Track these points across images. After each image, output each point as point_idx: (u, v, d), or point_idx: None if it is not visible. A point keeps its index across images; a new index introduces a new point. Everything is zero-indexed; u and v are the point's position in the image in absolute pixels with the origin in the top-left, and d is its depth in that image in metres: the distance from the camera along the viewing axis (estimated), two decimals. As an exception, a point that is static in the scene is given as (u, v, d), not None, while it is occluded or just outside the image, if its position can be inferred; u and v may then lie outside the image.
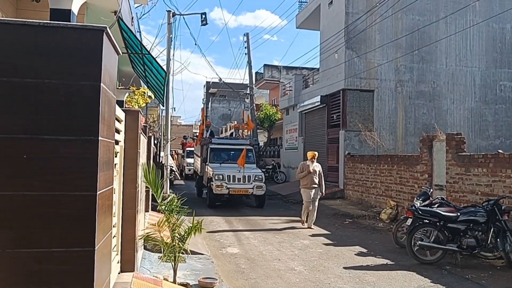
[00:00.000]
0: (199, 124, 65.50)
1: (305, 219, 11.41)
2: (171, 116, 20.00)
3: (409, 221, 8.21)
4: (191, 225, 5.66)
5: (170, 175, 19.08)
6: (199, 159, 18.12)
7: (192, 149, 27.04)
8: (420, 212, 7.97)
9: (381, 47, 18.19)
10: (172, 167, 20.99)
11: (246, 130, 23.97)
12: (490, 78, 19.34)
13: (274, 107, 31.28)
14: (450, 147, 10.65)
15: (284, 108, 26.51)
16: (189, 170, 27.34)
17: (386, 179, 14.05)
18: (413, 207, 8.18)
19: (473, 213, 7.85)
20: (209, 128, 20.25)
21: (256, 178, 14.28)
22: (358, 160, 16.46)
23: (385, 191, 14.04)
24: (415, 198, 9.70)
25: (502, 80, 19.47)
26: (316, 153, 11.61)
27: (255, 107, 26.43)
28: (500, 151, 9.44)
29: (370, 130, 17.04)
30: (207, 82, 62.30)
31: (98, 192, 2.31)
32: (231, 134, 21.20)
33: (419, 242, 7.91)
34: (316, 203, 11.26)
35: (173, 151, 40.52)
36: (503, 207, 7.79)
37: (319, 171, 11.25)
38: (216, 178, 14.11)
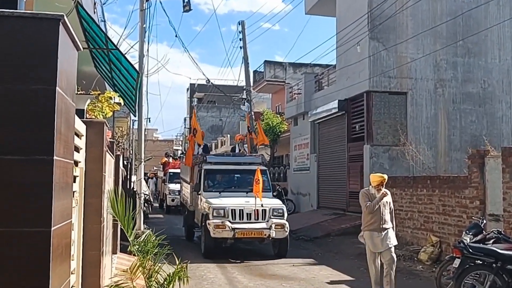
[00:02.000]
0: (186, 135, 65.45)
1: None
2: (145, 129, 20.08)
3: (457, 262, 8.17)
4: (173, 270, 5.67)
5: (144, 206, 19.05)
6: (189, 185, 16.48)
7: (177, 170, 26.77)
8: (470, 251, 7.94)
9: (415, 37, 18.36)
10: (147, 195, 20.98)
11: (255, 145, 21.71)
12: (557, 76, 19.46)
13: (278, 115, 31.39)
14: (508, 165, 10.65)
15: (292, 117, 26.61)
16: (173, 200, 26.82)
17: (425, 207, 14.03)
18: (462, 244, 8.15)
19: (540, 250, 7.83)
20: (200, 140, 18.22)
21: (275, 213, 13.11)
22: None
23: (425, 224, 14.00)
24: (464, 232, 9.67)
25: None
26: (386, 176, 9.34)
27: (253, 116, 26.51)
28: None
29: (404, 144, 17.08)
30: (191, 84, 62.74)
31: (52, 228, 2.32)
32: (233, 149, 19.39)
33: (470, 289, 7.86)
34: (393, 255, 9.16)
35: (150, 173, 40.47)
36: None
37: (390, 202, 9.29)
38: (214, 213, 12.88)
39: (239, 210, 12.98)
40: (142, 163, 16.43)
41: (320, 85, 24.54)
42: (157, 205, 32.58)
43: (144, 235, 6.17)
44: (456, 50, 18.78)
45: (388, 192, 9.35)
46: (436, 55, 18.56)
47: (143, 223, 15.87)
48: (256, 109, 30.61)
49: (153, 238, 6.31)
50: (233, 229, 12.66)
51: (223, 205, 13.06)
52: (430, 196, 13.82)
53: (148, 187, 27.99)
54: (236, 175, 15.20)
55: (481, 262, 7.96)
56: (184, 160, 17.46)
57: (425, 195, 14.09)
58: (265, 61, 38.32)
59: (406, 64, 18.27)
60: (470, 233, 9.31)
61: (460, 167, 17.32)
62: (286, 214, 13.30)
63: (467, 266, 7.96)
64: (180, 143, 71.39)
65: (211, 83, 28.22)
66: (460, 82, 18.76)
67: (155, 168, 47.67)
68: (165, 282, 5.81)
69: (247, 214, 12.95)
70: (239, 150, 18.54)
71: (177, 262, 5.75)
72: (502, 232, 9.02)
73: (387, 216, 9.07)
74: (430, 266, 12.18)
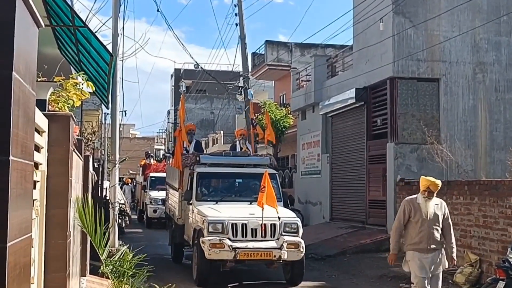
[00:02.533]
0: (170, 132, 64.81)
1: None
2: (120, 125, 20.08)
3: (501, 285, 8.21)
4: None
5: (119, 218, 19.05)
6: (177, 193, 15.87)
7: (161, 174, 26.62)
8: (517, 271, 7.97)
9: (449, 12, 18.38)
10: (123, 204, 20.99)
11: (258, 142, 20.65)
12: None
13: (282, 107, 31.42)
14: (563, 166, 10.69)
15: (299, 109, 26.64)
16: (155, 211, 26.42)
17: (462, 219, 14.06)
18: (507, 263, 8.19)
19: None
20: (193, 137, 17.62)
21: (288, 229, 12.53)
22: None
23: (461, 239, 14.04)
24: (509, 249, 9.68)
25: None
26: (438, 182, 9.06)
27: (252, 109, 26.52)
28: None
29: (435, 142, 17.09)
30: (176, 70, 62.69)
31: (8, 244, 2.32)
32: (232, 147, 18.34)
33: (517, 318, 7.89)
34: (440, 284, 9.02)
35: (126, 179, 40.38)
36: None
37: (444, 215, 9.07)
38: (210, 229, 12.25)
39: (242, 224, 12.34)
40: (117, 165, 16.42)
41: (334, 71, 24.54)
42: (135, 217, 32.37)
43: (119, 253, 6.18)
44: (499, 28, 18.79)
45: (443, 203, 9.21)
46: (475, 34, 18.56)
47: (118, 239, 15.89)
48: (256, 99, 30.64)
49: (130, 257, 6.33)
50: (234, 248, 11.95)
51: (221, 218, 12.43)
52: (468, 205, 13.84)
53: (124, 194, 27.77)
54: (237, 180, 14.74)
55: (530, 286, 8.00)
56: (170, 161, 17.09)
57: (462, 204, 14.11)
58: (266, 41, 38.29)
59: (438, 44, 18.27)
60: (517, 250, 9.32)
61: (504, 170, 17.34)
62: (301, 230, 12.67)
63: (514, 290, 8.00)
64: (163, 142, 71.53)
65: (201, 68, 28.31)
66: (504, 67, 18.78)
67: (131, 172, 47.70)
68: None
69: (252, 229, 12.33)
70: (241, 148, 17.39)
71: None
72: (555, 248, 9.03)
73: (438, 233, 8.80)
74: (468, 290, 12.19)
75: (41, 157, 4.63)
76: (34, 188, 4.05)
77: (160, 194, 25.23)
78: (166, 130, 68.88)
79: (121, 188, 29.83)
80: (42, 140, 4.62)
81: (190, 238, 13.84)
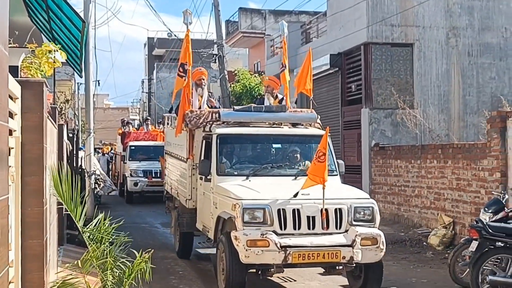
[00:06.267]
0: (144, 102, 64.08)
1: None
2: (94, 94, 19.93)
3: (474, 245, 8.34)
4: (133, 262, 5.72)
5: (96, 187, 19.01)
6: (183, 164, 12.06)
7: (144, 143, 25.38)
8: (490, 231, 8.11)
9: (423, -24, 18.36)
10: (99, 175, 20.91)
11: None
12: None
13: (257, 75, 31.35)
14: (534, 129, 10.84)
15: (274, 76, 26.54)
16: (136, 184, 24.25)
17: (436, 182, 14.23)
18: (480, 224, 8.32)
19: None
20: (203, 86, 12.47)
21: (361, 216, 8.96)
22: (392, 155, 16.62)
23: (435, 202, 14.23)
24: (482, 210, 9.87)
25: None
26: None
27: (227, 76, 26.47)
28: None
29: (410, 107, 17.22)
30: (149, 39, 62.05)
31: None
32: (257, 101, 13.92)
33: (490, 277, 8.05)
34: None
35: (104, 148, 39.73)
36: None
37: None
38: (246, 218, 8.55)
39: (293, 210, 8.66)
40: (92, 134, 16.36)
41: (308, 37, 24.49)
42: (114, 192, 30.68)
43: (95, 220, 6.17)
44: (472, -8, 18.85)
45: None
46: (449, -2, 18.63)
47: (95, 209, 15.86)
48: (230, 67, 30.52)
49: (107, 224, 6.31)
50: (284, 247, 8.32)
51: (262, 202, 8.73)
52: (441, 168, 14.01)
53: (99, 165, 26.86)
54: (275, 146, 10.89)
55: (502, 245, 8.15)
56: (176, 124, 12.05)
57: (435, 167, 14.28)
58: (240, 8, 38.05)
59: (411, 9, 18.27)
60: (490, 211, 9.51)
61: (477, 134, 17.55)
62: (378, 217, 9.08)
63: (486, 249, 8.15)
64: (137, 111, 71.09)
65: (175, 36, 27.96)
66: (477, 31, 18.86)
67: (104, 142, 47.06)
68: (124, 276, 5.84)
69: (309, 218, 8.67)
70: (274, 99, 12.24)
71: (138, 253, 5.78)
72: (527, 208, 9.21)
73: None
74: (442, 251, 12.41)
75: (15, 123, 4.58)
76: (9, 154, 4.01)
77: (142, 165, 24.49)
78: (140, 99, 68.42)
79: (98, 160, 29.31)
80: (15, 107, 4.57)
81: (210, 229, 10.12)
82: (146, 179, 23.44)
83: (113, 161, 34.27)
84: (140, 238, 12.91)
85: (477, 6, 18.86)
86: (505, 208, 9.60)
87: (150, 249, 6.21)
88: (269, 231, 8.43)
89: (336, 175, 10.21)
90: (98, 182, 20.37)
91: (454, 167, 13.48)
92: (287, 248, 8.31)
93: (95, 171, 18.17)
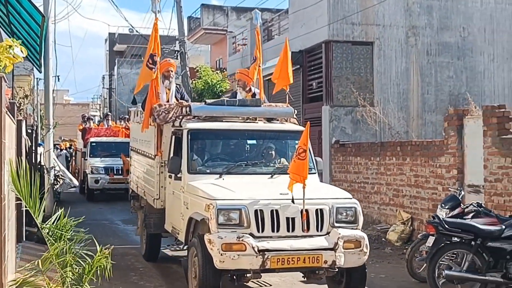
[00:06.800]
0: (105, 98, 63.36)
1: None
2: (53, 90, 19.66)
3: (431, 240, 8.49)
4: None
5: (55, 184, 18.77)
6: (151, 162, 11.26)
7: (104, 139, 25.02)
8: (446, 227, 8.26)
9: (383, -25, 18.55)
10: (58, 171, 20.62)
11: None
12: (547, 22, 20.13)
13: (219, 71, 31.29)
14: (489, 127, 11.04)
15: (236, 73, 26.53)
16: (97, 181, 23.72)
17: (394, 179, 14.39)
18: (436, 220, 8.46)
19: (525, 225, 8.24)
20: (171, 79, 11.59)
21: (343, 217, 8.35)
22: (351, 151, 16.75)
23: (394, 198, 14.39)
24: (439, 207, 10.01)
25: None
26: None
27: (188, 73, 26.37)
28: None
29: (370, 105, 17.40)
30: (110, 34, 61.45)
31: None
32: (232, 95, 12.23)
33: (446, 271, 8.20)
34: None
35: (63, 144, 39.11)
36: None
37: None
38: (221, 219, 7.89)
39: (272, 211, 7.99)
40: (51, 130, 16.15)
41: (270, 34, 24.54)
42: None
43: (55, 216, 6.10)
44: (431, -8, 19.11)
45: None
46: (408, -2, 18.85)
47: (55, 206, 15.65)
48: (192, 64, 30.40)
49: (66, 220, 6.25)
50: (262, 251, 7.69)
51: (238, 202, 8.06)
52: (400, 165, 14.17)
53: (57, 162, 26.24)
54: (249, 142, 10.13)
55: (458, 240, 8.31)
56: (143, 119, 11.33)
57: (394, 164, 14.44)
58: (202, 4, 38.01)
59: (372, 7, 18.44)
60: (446, 207, 9.64)
61: (436, 132, 17.83)
62: (361, 218, 8.44)
63: (443, 244, 8.29)
64: (98, 108, 70.40)
65: (137, 31, 27.76)
66: (435, 30, 19.12)
67: (64, 138, 46.34)
68: (84, 272, 5.81)
69: (288, 219, 8.02)
70: (247, 92, 11.43)
71: (99, 248, 5.75)
72: (482, 205, 9.38)
73: None
74: (401, 247, 12.57)
75: (-28, 119, 4.52)
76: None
77: (103, 162, 24.08)
78: (101, 95, 67.76)
79: (57, 155, 28.79)
80: (-28, 102, 4.51)
81: (180, 231, 9.43)
82: (108, 176, 23.09)
83: (73, 158, 33.73)
84: (101, 235, 12.75)
85: (436, 5, 19.12)
86: (461, 204, 9.74)
87: (109, 245, 6.16)
88: (246, 233, 7.78)
89: (315, 173, 9.64)
90: (58, 179, 20.09)
91: (413, 164, 13.65)
92: (265, 252, 7.67)
93: (54, 167, 17.92)
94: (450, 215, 9.26)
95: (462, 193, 10.55)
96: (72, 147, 36.56)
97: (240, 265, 7.70)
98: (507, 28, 19.77)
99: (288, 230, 7.94)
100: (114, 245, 6.74)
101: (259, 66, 12.02)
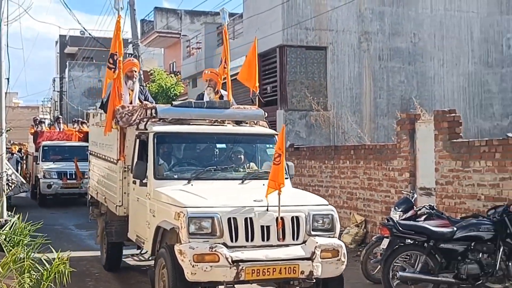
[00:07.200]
0: (56, 101, 62.23)
1: None
2: (5, 93, 19.25)
3: (385, 242, 8.63)
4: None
5: (8, 189, 18.34)
6: (113, 167, 10.65)
7: (57, 143, 24.54)
8: (400, 229, 8.40)
9: (336, -19, 18.79)
10: (10, 175, 20.19)
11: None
12: (494, 29, 20.72)
13: (173, 75, 31.19)
14: (440, 131, 11.28)
15: (190, 76, 26.57)
16: (49, 186, 23.11)
17: (348, 182, 14.53)
18: (391, 222, 8.61)
19: (475, 226, 8.44)
20: (134, 79, 11.14)
21: (319, 224, 7.89)
22: (306, 155, 16.87)
23: (348, 201, 14.54)
24: (393, 209, 10.17)
25: (511, 31, 20.92)
26: None
27: (142, 76, 26.19)
28: (509, 134, 10.16)
29: (324, 109, 17.59)
30: (61, 36, 60.57)
31: None
32: (199, 97, 11.58)
33: (400, 273, 8.34)
34: None
35: (13, 148, 38.22)
36: (516, 216, 8.45)
37: None
38: (192, 229, 7.32)
39: (246, 219, 7.51)
40: (3, 134, 15.81)
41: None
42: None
43: (11, 222, 6.04)
44: (383, -1, 19.46)
45: None
46: (360, 4, 19.13)
47: (7, 211, 15.34)
48: (145, 67, 30.25)
49: (23, 226, 6.21)
50: (235, 262, 7.18)
51: (210, 210, 7.56)
52: (354, 168, 14.33)
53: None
54: (218, 146, 9.64)
55: (412, 242, 8.48)
56: (105, 119, 10.68)
57: (348, 167, 14.59)
58: (156, 7, 37.83)
59: (325, 13, 18.67)
60: (400, 210, 9.80)
61: (388, 135, 18.13)
62: (338, 226, 8.06)
63: (397, 246, 8.44)
64: (48, 111, 69.25)
65: (89, 34, 27.42)
66: (387, 36, 19.49)
67: (13, 142, 45.26)
68: (42, 279, 5.76)
69: (263, 228, 7.54)
70: (215, 94, 11.28)
71: (57, 254, 5.71)
72: (434, 207, 9.58)
73: None
74: (355, 249, 12.68)
75: None
76: None
77: (56, 166, 23.50)
78: (51, 98, 66.70)
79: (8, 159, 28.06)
80: None
81: (146, 240, 8.90)
82: (61, 181, 22.59)
83: (24, 162, 32.94)
84: (54, 240, 12.51)
85: (387, 11, 19.47)
86: (414, 206, 9.93)
87: (68, 251, 6.14)
88: (219, 243, 7.24)
89: (287, 178, 9.01)
90: (9, 183, 19.64)
91: (366, 168, 13.81)
92: (240, 263, 7.14)
93: (7, 171, 17.53)
94: (403, 217, 9.42)
95: (415, 196, 10.76)
96: (22, 151, 35.74)
97: (213, 277, 7.16)
98: (456, 34, 20.27)
99: (263, 239, 7.47)
100: (69, 250, 6.70)
101: (225, 68, 11.51)
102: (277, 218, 7.44)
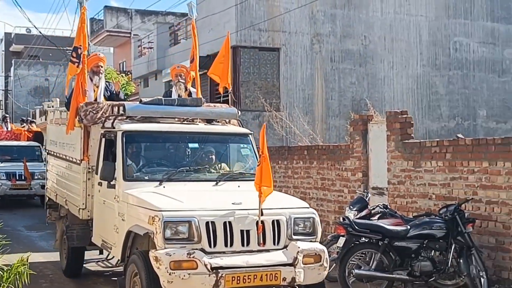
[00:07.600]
0: (3, 98, 60.75)
1: None
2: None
3: (341, 241, 8.77)
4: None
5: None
6: (75, 167, 10.05)
7: (5, 143, 23.38)
8: (356, 228, 8.58)
9: (288, -16, 18.97)
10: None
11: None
12: (441, 32, 21.23)
13: (123, 75, 30.92)
14: (393, 131, 11.51)
15: (141, 76, 26.40)
16: None
17: (301, 182, 14.65)
18: (346, 221, 8.77)
19: (428, 224, 8.68)
20: (100, 75, 10.58)
21: (300, 228, 7.54)
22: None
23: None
24: (348, 208, 10.32)
25: (457, 35, 21.48)
26: None
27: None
28: (460, 135, 10.48)
29: (276, 110, 17.71)
30: (6, 34, 59.39)
31: None
32: (167, 94, 11.38)
33: (356, 270, 8.52)
34: None
35: None
36: (466, 215, 8.71)
37: None
38: (168, 233, 6.88)
39: (225, 223, 7.07)
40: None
41: (177, 39, 24.50)
42: None
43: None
44: (335, 1, 19.70)
45: None
46: (313, 6, 19.32)
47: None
48: (96, 66, 29.85)
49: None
50: (214, 269, 6.76)
51: (187, 213, 7.07)
52: (307, 169, 14.45)
53: None
54: (191, 145, 9.13)
55: (367, 240, 8.66)
56: (69, 113, 9.93)
57: (301, 167, 14.71)
58: (105, 6, 37.41)
59: (278, 16, 18.82)
60: (355, 209, 9.97)
61: (339, 136, 18.39)
62: (320, 229, 7.72)
63: (352, 245, 8.60)
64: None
65: (39, 32, 26.96)
66: (338, 38, 19.75)
67: None
68: (2, 280, 5.70)
69: (243, 232, 7.14)
70: (179, 96, 10.63)
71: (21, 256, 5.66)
72: (388, 206, 9.79)
73: None
74: (309, 248, 12.87)
75: None
76: None
77: (4, 167, 22.72)
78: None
79: None
80: None
81: (114, 246, 8.34)
82: (10, 182, 22.00)
83: None
84: (16, 243, 12.35)
85: (339, 14, 19.75)
86: (368, 206, 10.14)
87: (29, 253, 6.09)
88: (197, 249, 6.80)
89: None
90: None
91: (319, 168, 13.95)
92: (219, 270, 6.71)
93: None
94: (358, 216, 9.57)
95: (369, 195, 10.96)
96: None
97: (191, 285, 6.69)
98: (405, 37, 20.70)
99: (242, 244, 7.04)
100: (19, 251, 6.56)
101: (191, 62, 11.25)
102: (257, 222, 7.06)
